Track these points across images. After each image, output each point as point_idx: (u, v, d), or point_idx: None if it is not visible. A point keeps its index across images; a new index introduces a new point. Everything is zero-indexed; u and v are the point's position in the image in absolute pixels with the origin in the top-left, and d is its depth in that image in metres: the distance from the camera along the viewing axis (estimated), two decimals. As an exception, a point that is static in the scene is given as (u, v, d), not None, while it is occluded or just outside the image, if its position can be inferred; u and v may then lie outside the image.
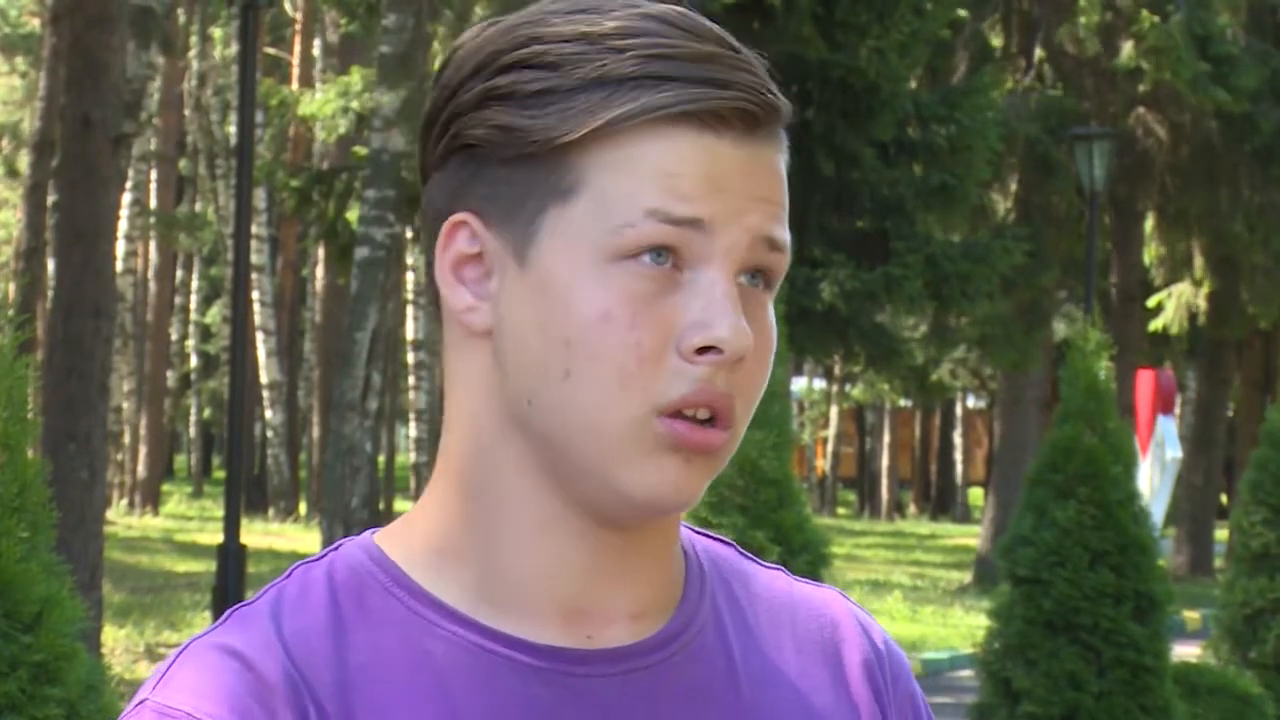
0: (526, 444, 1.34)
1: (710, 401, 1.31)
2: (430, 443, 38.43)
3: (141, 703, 1.32)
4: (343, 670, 1.34)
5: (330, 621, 1.35)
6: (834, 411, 53.47)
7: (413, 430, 38.48)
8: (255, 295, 34.85)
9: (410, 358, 38.31)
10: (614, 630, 1.37)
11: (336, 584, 1.37)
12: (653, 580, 1.39)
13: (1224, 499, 41.24)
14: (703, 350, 1.31)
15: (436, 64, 17.61)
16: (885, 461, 53.42)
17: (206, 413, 51.92)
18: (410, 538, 1.39)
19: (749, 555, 1.49)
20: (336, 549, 1.40)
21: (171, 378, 44.18)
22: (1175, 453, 18.95)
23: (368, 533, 1.42)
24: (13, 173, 37.61)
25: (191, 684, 1.32)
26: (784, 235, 1.35)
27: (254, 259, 34.00)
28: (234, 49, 36.10)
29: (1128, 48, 25.86)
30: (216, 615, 14.81)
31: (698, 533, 1.47)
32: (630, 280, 1.30)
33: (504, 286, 1.34)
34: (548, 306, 1.31)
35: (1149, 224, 29.26)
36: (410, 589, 1.36)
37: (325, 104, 22.05)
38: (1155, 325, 29.93)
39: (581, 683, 1.35)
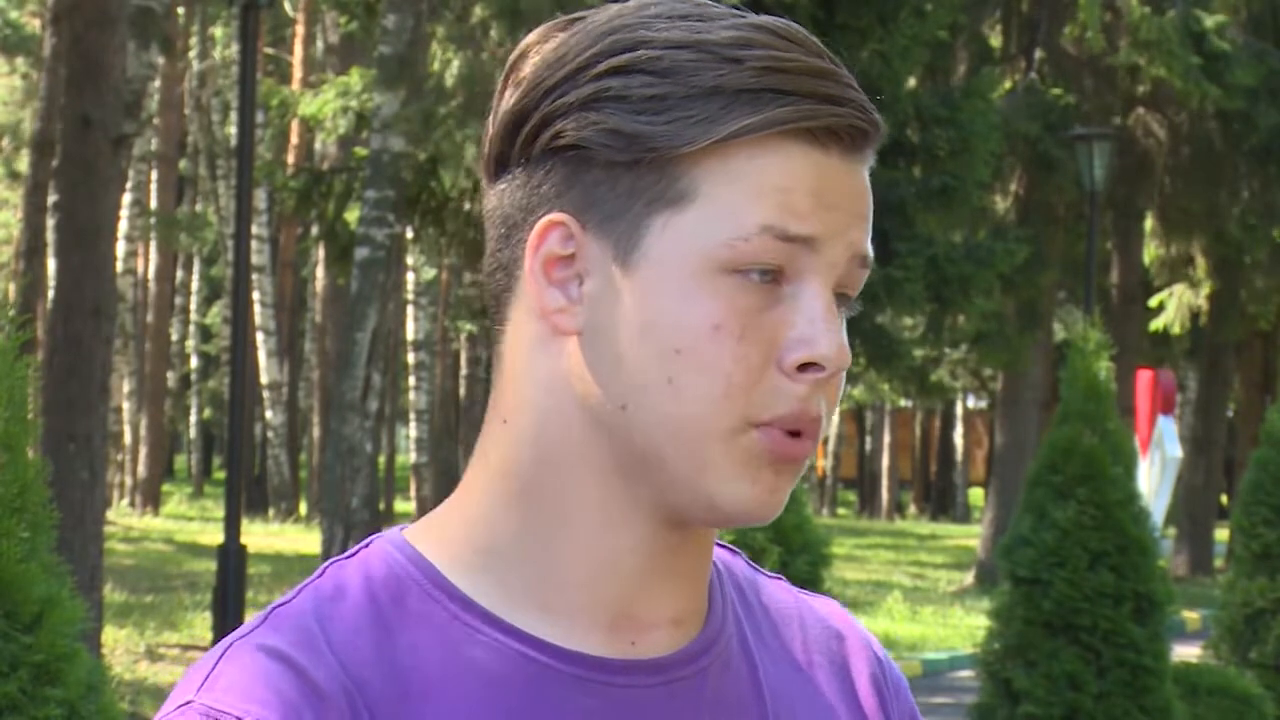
0: (603, 446, 1.33)
1: (805, 424, 1.32)
2: (430, 443, 38.42)
3: (187, 704, 1.29)
4: (392, 671, 1.32)
5: (372, 623, 1.33)
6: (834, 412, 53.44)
7: (413, 431, 38.46)
8: (255, 296, 34.85)
9: (410, 358, 38.29)
10: (656, 636, 1.37)
11: (374, 584, 1.35)
12: (695, 584, 1.39)
13: (1224, 499, 41.24)
14: (804, 366, 1.31)
15: (436, 65, 17.52)
16: (885, 462, 53.42)
17: (207, 413, 51.92)
18: (448, 536, 1.37)
19: (753, 564, 1.49)
20: (368, 546, 1.38)
21: (172, 378, 44.19)
22: (1175, 453, 18.94)
23: (397, 529, 1.40)
24: (14, 174, 37.61)
25: (239, 685, 1.29)
26: (872, 254, 1.36)
27: (254, 259, 34.00)
28: (234, 49, 36.11)
29: (1125, 45, 25.87)
30: (217, 615, 14.82)
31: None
32: (739, 293, 1.30)
33: (602, 291, 1.32)
34: (654, 314, 1.30)
35: (1149, 224, 29.27)
36: (449, 592, 1.35)
37: (325, 104, 22.05)
38: (1156, 325, 29.93)
39: (622, 693, 1.35)
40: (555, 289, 1.34)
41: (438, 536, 1.38)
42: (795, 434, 1.32)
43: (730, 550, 1.48)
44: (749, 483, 1.31)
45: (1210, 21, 25.51)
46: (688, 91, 1.30)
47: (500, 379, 1.37)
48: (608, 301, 1.32)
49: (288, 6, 38.97)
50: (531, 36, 1.37)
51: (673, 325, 1.30)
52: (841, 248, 1.32)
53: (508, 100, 1.36)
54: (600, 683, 1.34)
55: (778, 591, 1.48)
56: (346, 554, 1.38)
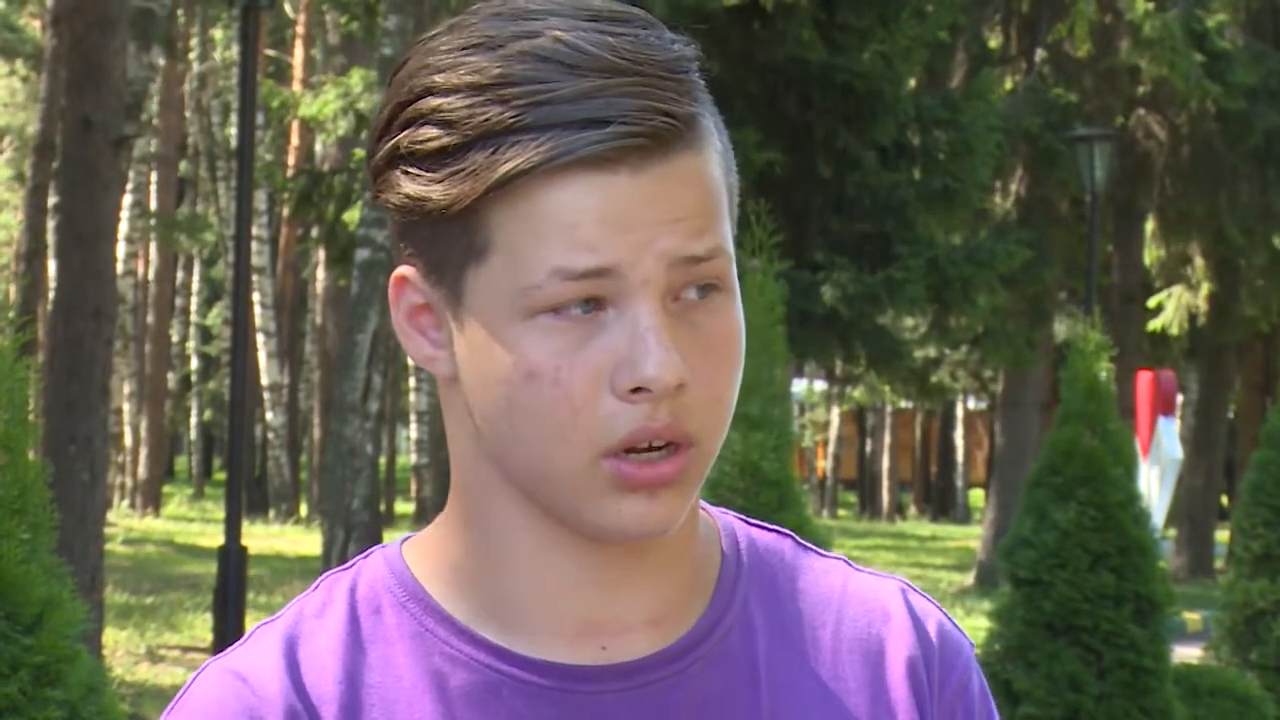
0: (506, 481, 1.34)
1: (654, 437, 1.29)
2: (431, 444, 38.42)
3: None
4: (354, 690, 1.35)
5: (346, 639, 1.37)
6: (835, 413, 53.48)
7: (413, 432, 38.45)
8: (256, 297, 34.84)
9: (411, 359, 38.28)
10: (631, 638, 1.36)
11: (357, 598, 1.38)
12: (669, 584, 1.37)
13: (1224, 500, 41.23)
14: (636, 390, 1.29)
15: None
16: (886, 463, 53.41)
17: (207, 414, 51.91)
18: (431, 550, 1.40)
19: (807, 545, 1.46)
20: (366, 557, 1.41)
21: (172, 379, 44.18)
22: (1175, 454, 18.93)
23: (398, 540, 1.42)
24: (15, 176, 37.60)
25: (196, 707, 1.35)
26: (707, 245, 1.30)
27: (254, 261, 33.99)
28: (234, 51, 36.10)
29: (1125, 45, 25.87)
30: (217, 617, 14.82)
31: (751, 524, 1.45)
32: (549, 336, 1.29)
33: (452, 338, 1.34)
34: (484, 364, 1.31)
35: (1149, 225, 29.26)
36: (424, 604, 1.37)
37: (325, 105, 22.04)
38: (1154, 325, 29.92)
39: (590, 700, 1.35)
40: (422, 338, 1.35)
41: (424, 549, 1.40)
42: (661, 449, 1.29)
43: (779, 533, 1.46)
44: (615, 511, 1.30)
45: (1211, 21, 25.53)
46: (462, 140, 1.29)
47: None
48: (457, 349, 1.33)
49: (288, 8, 38.97)
50: (409, 51, 1.36)
51: (498, 376, 1.30)
52: (651, 262, 1.28)
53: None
54: (563, 690, 1.34)
55: (825, 575, 1.45)
56: (345, 565, 1.41)
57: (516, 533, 1.35)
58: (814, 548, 1.47)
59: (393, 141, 1.32)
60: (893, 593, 1.46)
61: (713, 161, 1.32)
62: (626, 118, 1.27)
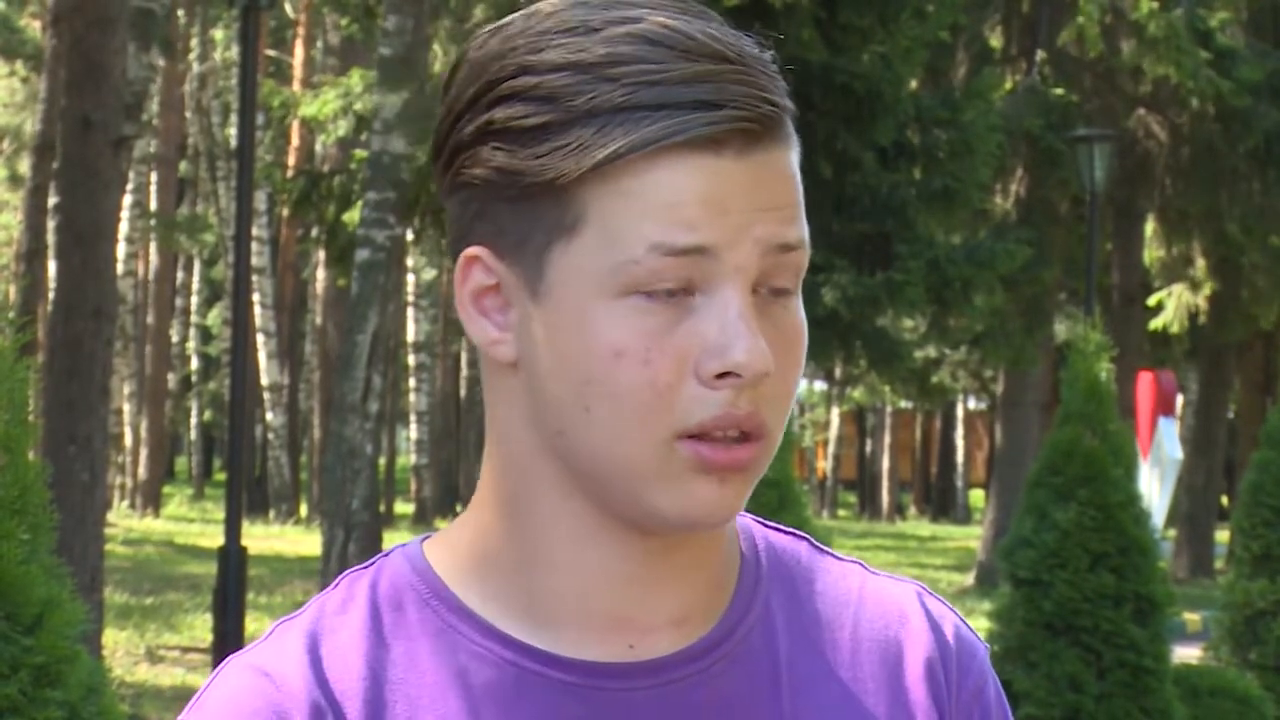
0: (560, 468, 1.34)
1: (736, 424, 1.30)
2: (431, 445, 38.42)
3: None
4: (377, 686, 1.35)
5: (369, 636, 1.36)
6: (834, 413, 53.49)
7: (413, 432, 38.46)
8: (256, 297, 34.84)
9: (411, 360, 38.29)
10: (656, 638, 1.37)
11: (379, 595, 1.38)
12: (697, 583, 1.38)
13: (1224, 501, 41.23)
14: (722, 375, 1.30)
15: (437, 66, 17.52)
16: (886, 463, 53.42)
17: (207, 415, 51.92)
18: (456, 546, 1.40)
19: (824, 548, 1.48)
20: (387, 555, 1.41)
21: (172, 380, 44.19)
22: (1176, 454, 18.95)
23: (418, 539, 1.42)
24: (15, 176, 37.61)
25: (220, 703, 1.35)
26: (798, 234, 1.33)
27: (254, 261, 34.00)
28: (235, 51, 36.11)
29: (1128, 45, 25.87)
30: (217, 617, 14.81)
31: (768, 526, 1.46)
32: (640, 315, 1.29)
33: (523, 320, 1.33)
34: (563, 344, 1.31)
35: (1149, 225, 29.26)
36: (448, 601, 1.37)
37: (325, 106, 22.04)
38: (1155, 324, 29.92)
39: (617, 697, 1.35)
40: (486, 320, 1.35)
41: (447, 547, 1.40)
42: (738, 438, 1.31)
43: (795, 535, 1.47)
44: (685, 494, 1.31)
45: (1214, 20, 25.54)
46: (566, 117, 1.30)
47: (485, 401, 1.41)
48: (528, 332, 1.33)
49: (288, 8, 38.97)
50: (470, 42, 1.37)
51: (580, 355, 1.30)
52: (747, 247, 1.30)
53: (436, 120, 1.38)
54: (590, 688, 1.35)
55: (842, 577, 1.46)
56: (365, 564, 1.41)
57: (560, 524, 1.35)
58: (830, 550, 1.48)
59: (484, 118, 1.32)
60: (910, 596, 1.47)
61: (796, 158, 1.35)
62: (738, 103, 1.30)
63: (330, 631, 1.36)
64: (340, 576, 1.41)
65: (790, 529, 1.47)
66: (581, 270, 1.30)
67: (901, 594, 1.47)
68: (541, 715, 1.34)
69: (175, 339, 44.98)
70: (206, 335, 49.88)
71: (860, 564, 1.48)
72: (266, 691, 1.33)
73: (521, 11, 1.36)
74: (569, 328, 1.31)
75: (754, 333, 1.30)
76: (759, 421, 1.31)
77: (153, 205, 37.62)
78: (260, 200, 34.44)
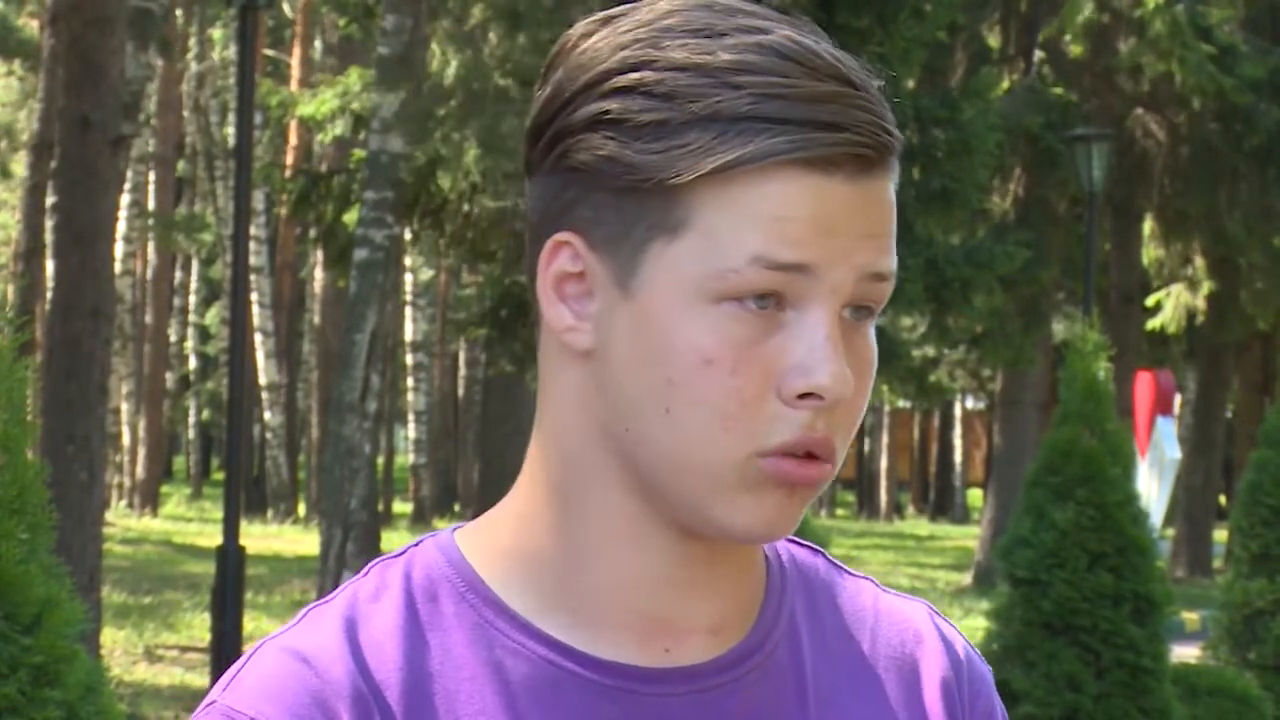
0: (619, 464, 1.34)
1: (811, 446, 1.30)
2: (429, 444, 38.42)
3: (211, 704, 1.33)
4: (415, 677, 1.34)
5: (405, 625, 1.35)
6: (833, 413, 53.40)
7: (412, 432, 38.46)
8: (254, 297, 34.84)
9: (409, 359, 38.29)
10: (692, 643, 1.37)
11: (413, 585, 1.37)
12: (734, 592, 1.38)
13: (1223, 500, 41.24)
14: (804, 395, 1.30)
15: (434, 66, 17.47)
16: (884, 463, 53.42)
17: (205, 414, 51.90)
18: (491, 539, 1.39)
19: (838, 564, 1.48)
20: (417, 545, 1.40)
21: (170, 379, 44.18)
22: (1174, 454, 18.95)
23: (450, 530, 1.41)
24: (12, 175, 37.59)
25: (257, 686, 1.33)
26: (891, 264, 1.33)
27: (252, 260, 34.00)
28: (232, 50, 36.09)
29: (1127, 44, 25.88)
30: (215, 617, 14.81)
31: (791, 540, 1.46)
32: (733, 324, 1.29)
33: (606, 312, 1.33)
34: (649, 342, 1.30)
35: (1147, 225, 29.26)
36: (484, 595, 1.36)
37: (324, 105, 22.03)
38: (1153, 324, 29.92)
39: (653, 702, 1.35)
40: (565, 306, 1.34)
41: (482, 539, 1.39)
42: (808, 456, 1.31)
43: (811, 549, 1.48)
44: (754, 507, 1.31)
45: (1214, 17, 25.54)
46: (685, 118, 1.29)
47: (539, 384, 1.39)
48: (611, 324, 1.32)
49: (286, 7, 38.96)
50: (575, 29, 1.37)
51: (666, 356, 1.30)
52: (845, 271, 1.30)
53: (537, 101, 1.37)
54: (626, 691, 1.35)
55: (857, 594, 1.47)
56: (395, 553, 1.40)
57: (610, 520, 1.34)
58: (844, 566, 1.49)
59: (599, 106, 1.31)
60: (922, 615, 1.48)
61: (895, 188, 1.35)
62: (859, 128, 1.30)
63: (366, 619, 1.35)
64: (369, 565, 1.39)
65: (806, 543, 1.47)
66: (678, 272, 1.30)
67: (914, 612, 1.48)
68: (578, 715, 1.34)
69: (173, 338, 44.97)
70: (205, 335, 49.88)
71: (872, 581, 1.49)
72: (306, 678, 1.32)
73: (634, 4, 1.35)
74: (657, 326, 1.30)
75: (840, 357, 1.30)
76: (831, 446, 1.31)
77: (151, 205, 37.61)
78: (258, 200, 34.43)
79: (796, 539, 1.46)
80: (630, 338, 1.31)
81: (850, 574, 1.48)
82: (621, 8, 1.36)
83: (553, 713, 1.33)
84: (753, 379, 1.29)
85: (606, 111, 1.31)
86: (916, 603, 1.49)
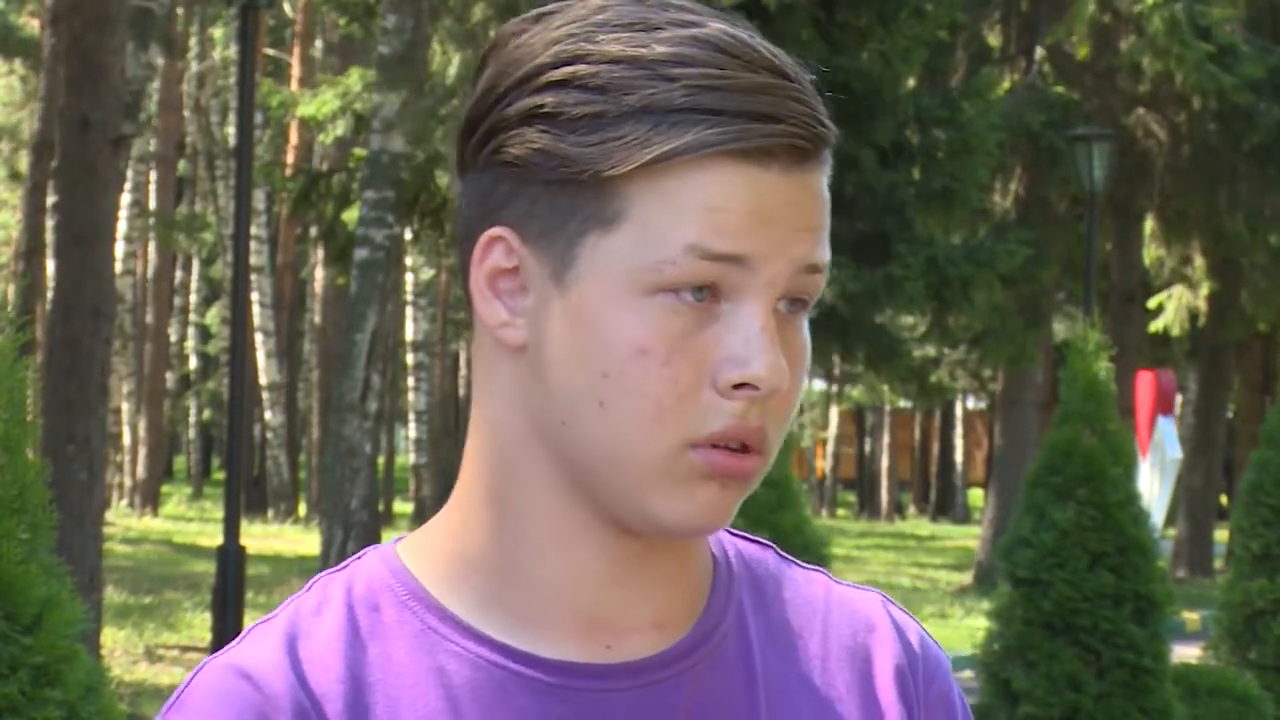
0: (554, 459, 1.34)
1: (744, 436, 1.31)
2: (430, 444, 38.40)
3: None
4: (356, 687, 1.34)
5: (346, 637, 1.36)
6: (834, 413, 53.48)
7: (412, 431, 38.45)
8: (254, 296, 34.84)
9: (410, 359, 38.29)
10: (635, 639, 1.37)
11: (355, 597, 1.37)
12: (675, 587, 1.38)
13: (1224, 500, 41.24)
14: (739, 386, 1.30)
15: (435, 65, 17.49)
16: (885, 463, 53.42)
17: (206, 414, 51.91)
18: (431, 546, 1.39)
19: (788, 557, 1.48)
20: (360, 558, 1.41)
21: (171, 379, 44.18)
22: (1175, 454, 18.94)
23: (392, 541, 1.42)
24: (14, 175, 37.59)
25: (201, 704, 1.33)
26: (825, 257, 1.34)
27: (253, 260, 33.99)
28: (233, 50, 36.09)
29: (1127, 43, 25.87)
30: (216, 617, 14.81)
31: (736, 535, 1.46)
32: (668, 315, 1.29)
33: (541, 306, 1.33)
34: (584, 335, 1.30)
35: (1148, 225, 29.26)
36: (426, 602, 1.37)
37: (324, 105, 22.03)
38: (1155, 327, 29.93)
39: (598, 697, 1.35)
40: (499, 302, 1.34)
41: (422, 548, 1.39)
42: (741, 449, 1.31)
43: (759, 543, 1.47)
44: (686, 499, 1.31)
45: (1214, 16, 25.54)
46: (620, 110, 1.29)
47: (473, 386, 1.39)
48: (546, 318, 1.32)
49: (287, 7, 38.96)
50: (507, 27, 1.37)
51: (600, 348, 1.30)
52: (781, 264, 1.31)
53: (469, 100, 1.37)
54: (570, 688, 1.34)
55: (808, 585, 1.47)
56: (339, 566, 1.41)
57: (546, 520, 1.35)
58: (794, 559, 1.48)
59: (533, 100, 1.31)
60: (875, 604, 1.47)
61: (826, 182, 1.35)
62: (794, 119, 1.30)
63: (307, 634, 1.35)
64: (313, 579, 1.40)
65: (756, 538, 1.47)
66: (614, 264, 1.30)
67: (867, 602, 1.47)
68: (523, 715, 1.34)
69: (174, 338, 44.97)
70: (205, 334, 49.87)
71: (824, 572, 1.49)
72: (247, 693, 1.33)
73: (566, 2, 1.35)
74: (592, 319, 1.30)
75: (776, 349, 1.30)
76: (764, 436, 1.32)
77: (151, 204, 37.61)
78: (259, 199, 34.43)
79: (746, 535, 1.47)
80: (565, 331, 1.31)
81: (801, 567, 1.48)
82: (553, 5, 1.36)
83: (498, 714, 1.33)
84: (687, 370, 1.29)
85: (541, 105, 1.31)
86: (869, 592, 1.49)
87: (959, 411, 53.99)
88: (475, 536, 1.37)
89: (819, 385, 52.87)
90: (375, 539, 16.38)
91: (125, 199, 31.64)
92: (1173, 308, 29.65)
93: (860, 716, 1.42)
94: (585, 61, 1.30)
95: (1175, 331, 29.83)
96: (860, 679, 1.43)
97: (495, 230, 1.34)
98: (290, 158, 35.26)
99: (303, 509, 37.48)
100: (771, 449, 1.33)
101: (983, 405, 52.75)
